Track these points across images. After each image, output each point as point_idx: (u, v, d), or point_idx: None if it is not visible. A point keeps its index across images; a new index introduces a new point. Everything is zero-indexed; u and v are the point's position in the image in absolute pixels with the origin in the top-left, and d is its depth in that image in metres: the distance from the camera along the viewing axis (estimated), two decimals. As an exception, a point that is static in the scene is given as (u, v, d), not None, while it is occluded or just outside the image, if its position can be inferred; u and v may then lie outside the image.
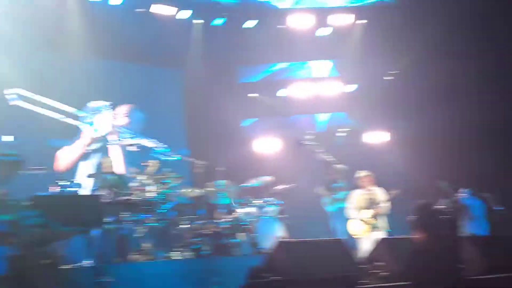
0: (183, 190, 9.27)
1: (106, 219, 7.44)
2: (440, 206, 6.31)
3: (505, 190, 9.98)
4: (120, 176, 9.19)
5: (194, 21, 12.18)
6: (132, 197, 8.52)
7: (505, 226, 9.99)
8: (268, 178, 10.57)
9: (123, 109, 8.84)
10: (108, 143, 8.45)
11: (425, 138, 12.21)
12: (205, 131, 11.85)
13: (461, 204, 10.68)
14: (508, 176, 9.82)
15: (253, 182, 10.60)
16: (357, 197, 9.70)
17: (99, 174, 8.77)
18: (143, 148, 9.44)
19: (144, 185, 9.02)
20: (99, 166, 8.44)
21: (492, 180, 11.01)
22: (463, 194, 10.90)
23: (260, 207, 10.16)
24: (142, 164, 9.24)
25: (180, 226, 8.98)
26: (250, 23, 12.42)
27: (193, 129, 12.18)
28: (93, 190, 8.75)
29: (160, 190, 8.85)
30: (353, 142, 12.75)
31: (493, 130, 11.52)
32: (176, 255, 8.39)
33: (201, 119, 11.77)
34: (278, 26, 12.45)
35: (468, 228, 10.52)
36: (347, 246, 6.54)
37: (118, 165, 8.92)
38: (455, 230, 5.94)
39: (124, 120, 9.15)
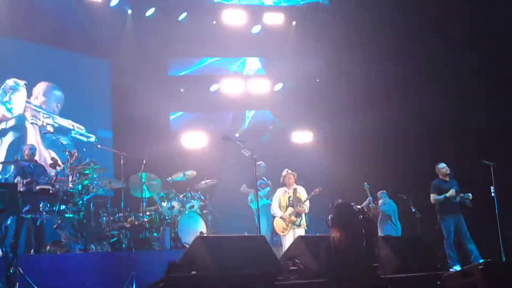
0: (104, 182, 9.09)
1: (22, 208, 7.21)
2: (359, 206, 6.47)
3: (425, 191, 10.35)
4: (39, 165, 8.97)
5: (127, 11, 11.95)
6: (51, 187, 8.29)
7: (421, 227, 10.36)
8: (192, 173, 10.53)
9: (40, 87, 8.55)
10: (23, 121, 8.20)
11: (349, 139, 12.50)
12: (131, 123, 11.63)
13: (378, 205, 10.98)
14: (428, 177, 10.19)
15: (177, 176, 10.51)
16: (280, 195, 9.84)
17: (17, 162, 8.52)
18: (59, 128, 9.20)
19: (64, 175, 8.80)
20: (15, 149, 8.18)
21: (414, 182, 11.36)
22: (380, 195, 11.21)
23: (183, 202, 10.10)
24: (64, 152, 9.06)
25: (100, 218, 8.83)
26: (183, 15, 12.31)
27: (118, 120, 11.94)
28: (9, 177, 8.55)
29: (81, 181, 8.66)
30: (278, 141, 12.88)
31: (417, 132, 11.87)
32: (93, 248, 8.22)
33: (128, 110, 11.53)
34: (211, 21, 12.40)
35: (383, 228, 10.87)
36: (267, 243, 6.57)
37: (38, 151, 8.66)
38: (371, 230, 6.10)
39: (40, 99, 8.85)
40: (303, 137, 12.70)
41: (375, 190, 11.31)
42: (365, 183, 11.18)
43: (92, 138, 10.92)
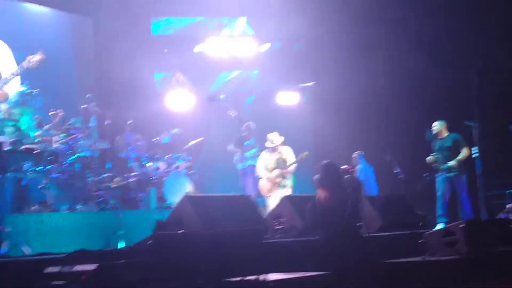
0: (89, 142, 9.04)
1: (7, 167, 7.17)
2: (345, 166, 6.54)
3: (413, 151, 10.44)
4: (23, 124, 8.88)
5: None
6: (36, 147, 8.25)
7: (406, 187, 10.46)
8: (178, 131, 10.52)
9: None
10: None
11: (335, 101, 12.50)
12: (115, 83, 11.51)
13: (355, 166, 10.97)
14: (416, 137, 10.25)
15: (163, 137, 10.50)
16: (266, 156, 9.83)
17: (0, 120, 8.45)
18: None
19: (49, 135, 8.74)
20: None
21: (401, 142, 11.44)
22: (356, 158, 11.21)
23: (169, 162, 10.12)
24: (49, 114, 8.97)
25: (86, 178, 8.81)
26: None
27: (102, 80, 11.81)
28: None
29: (66, 141, 8.61)
30: (265, 102, 12.85)
31: (405, 92, 11.88)
32: (80, 207, 8.23)
33: (111, 70, 11.40)
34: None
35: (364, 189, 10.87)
36: (254, 202, 6.66)
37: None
38: (356, 189, 6.20)
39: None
40: (289, 98, 12.66)
41: (359, 150, 11.35)
42: (358, 152, 11.18)
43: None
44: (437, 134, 9.71)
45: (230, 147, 10.24)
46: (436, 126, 9.74)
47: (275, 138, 9.84)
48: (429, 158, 9.57)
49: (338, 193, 6.05)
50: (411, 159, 10.50)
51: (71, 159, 8.54)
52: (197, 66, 12.72)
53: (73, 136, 8.69)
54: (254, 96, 13.30)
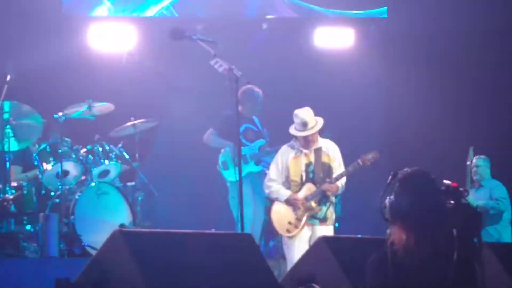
0: None
1: None
2: (448, 181, 3.68)
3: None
4: None
5: None
6: None
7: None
8: (106, 107, 6.68)
9: None
10: None
11: (426, 49, 8.13)
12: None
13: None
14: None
15: (74, 111, 6.34)
16: (288, 157, 6.06)
17: None
18: None
19: None
20: None
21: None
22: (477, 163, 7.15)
23: (86, 163, 6.48)
24: None
25: None
26: None
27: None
28: None
29: None
30: (288, 44, 8.10)
31: None
32: None
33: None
34: None
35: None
36: (257, 248, 4.42)
37: None
38: (470, 228, 3.63)
39: None
40: (336, 38, 8.15)
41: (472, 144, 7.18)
42: (471, 147, 7.10)
43: None
44: None
45: (210, 136, 6.70)
46: None
47: (308, 118, 5.97)
48: None
49: (432, 235, 3.43)
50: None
51: None
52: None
53: None
54: (264, 31, 8.49)
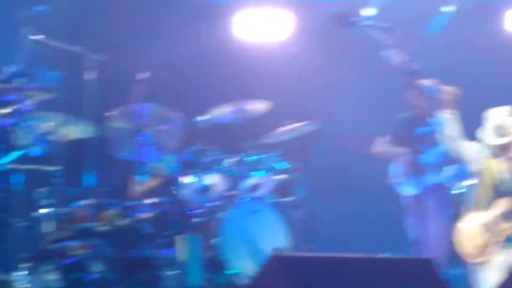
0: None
1: None
2: None
3: None
4: None
5: None
6: None
7: None
8: (262, 106, 6.18)
9: None
10: None
11: None
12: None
13: None
14: None
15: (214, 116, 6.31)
16: (489, 165, 5.23)
17: None
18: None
19: None
20: None
21: None
22: None
23: (234, 176, 6.02)
24: None
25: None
26: None
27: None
28: None
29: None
30: (472, 31, 7.34)
31: None
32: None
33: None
34: None
35: None
36: (438, 275, 3.84)
37: None
38: None
39: None
40: None
41: None
42: None
43: None
44: None
45: (383, 144, 5.94)
46: None
47: (506, 121, 5.27)
48: None
49: None
50: None
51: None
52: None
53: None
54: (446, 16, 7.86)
